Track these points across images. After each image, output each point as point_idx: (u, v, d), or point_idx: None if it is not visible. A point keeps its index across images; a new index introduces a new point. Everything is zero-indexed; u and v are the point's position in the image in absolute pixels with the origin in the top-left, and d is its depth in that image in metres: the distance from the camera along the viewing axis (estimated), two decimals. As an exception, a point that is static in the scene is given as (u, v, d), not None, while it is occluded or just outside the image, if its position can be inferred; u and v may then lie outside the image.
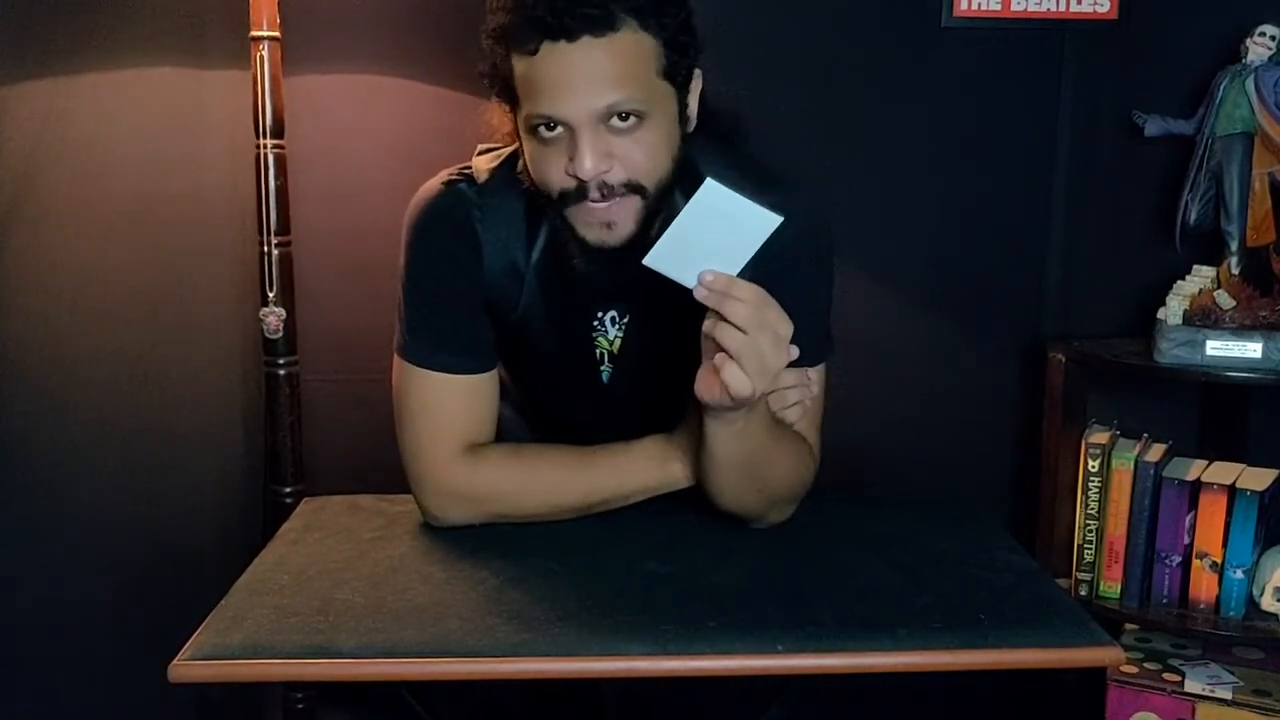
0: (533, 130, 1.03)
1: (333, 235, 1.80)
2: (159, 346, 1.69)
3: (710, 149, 1.12)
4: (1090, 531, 1.70)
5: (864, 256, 1.78)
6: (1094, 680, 1.74)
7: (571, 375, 1.22)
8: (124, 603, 1.67)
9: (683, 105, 1.07)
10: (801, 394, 1.13)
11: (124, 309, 1.65)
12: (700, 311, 0.97)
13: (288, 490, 1.67)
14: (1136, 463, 1.66)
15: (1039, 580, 1.05)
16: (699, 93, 1.10)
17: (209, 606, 0.98)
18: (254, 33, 1.57)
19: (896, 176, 1.83)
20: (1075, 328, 1.84)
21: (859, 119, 1.82)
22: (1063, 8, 1.77)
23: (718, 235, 0.93)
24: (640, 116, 1.01)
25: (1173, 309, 1.63)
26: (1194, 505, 1.64)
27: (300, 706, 1.70)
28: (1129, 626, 1.77)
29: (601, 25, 0.98)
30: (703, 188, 0.93)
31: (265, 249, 1.61)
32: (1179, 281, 1.69)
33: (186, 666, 0.90)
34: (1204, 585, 1.64)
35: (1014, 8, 1.78)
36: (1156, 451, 1.69)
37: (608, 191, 1.02)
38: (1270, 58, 1.62)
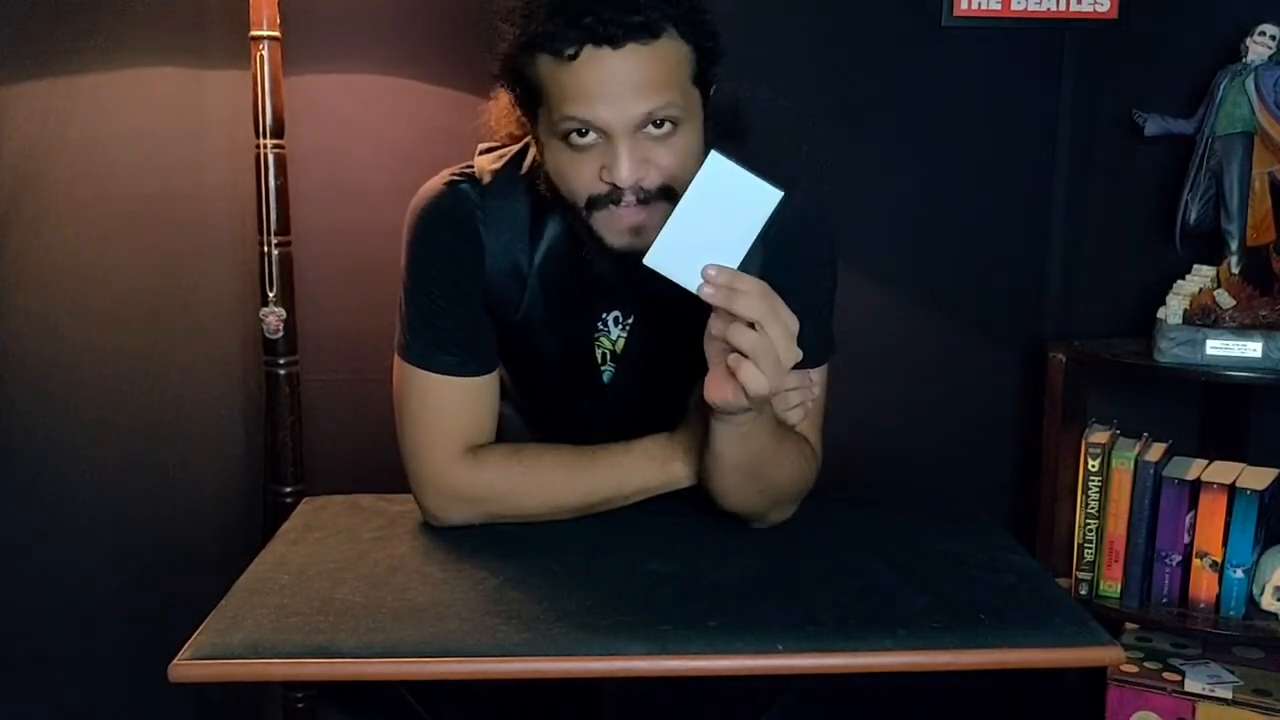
0: (563, 136, 1.01)
1: (333, 235, 1.80)
2: (159, 346, 1.69)
3: (713, 143, 1.11)
4: (1090, 531, 1.70)
5: (864, 256, 1.78)
6: (1094, 680, 1.74)
7: (573, 376, 1.22)
8: (124, 602, 1.67)
9: (706, 107, 1.07)
10: (804, 395, 1.13)
11: (124, 309, 1.65)
12: (703, 310, 0.96)
13: (288, 490, 1.67)
14: (1136, 462, 1.66)
15: (1039, 580, 1.05)
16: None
17: (209, 606, 0.98)
18: (254, 33, 1.57)
19: (896, 176, 1.83)
20: (1075, 328, 1.84)
21: (859, 119, 1.82)
22: (1063, 7, 1.77)
23: (720, 218, 0.92)
24: (675, 123, 1.01)
25: (1173, 308, 1.63)
26: (1194, 505, 1.64)
27: (300, 706, 1.70)
28: (1129, 626, 1.78)
29: (646, 33, 0.97)
30: (707, 161, 0.92)
31: (265, 249, 1.61)
32: (1179, 281, 1.69)
33: (186, 666, 0.90)
34: (1204, 585, 1.64)
35: (1014, 7, 1.78)
36: (1156, 451, 1.69)
37: (643, 196, 1.01)
38: (1270, 57, 1.62)
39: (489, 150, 1.19)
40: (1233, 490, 1.62)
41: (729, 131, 1.18)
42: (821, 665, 0.92)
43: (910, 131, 1.82)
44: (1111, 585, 1.70)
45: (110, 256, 1.63)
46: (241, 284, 1.76)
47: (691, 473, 1.12)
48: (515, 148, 1.16)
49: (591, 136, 1.00)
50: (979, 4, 1.78)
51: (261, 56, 1.57)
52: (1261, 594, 1.64)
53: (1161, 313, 1.64)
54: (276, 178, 1.60)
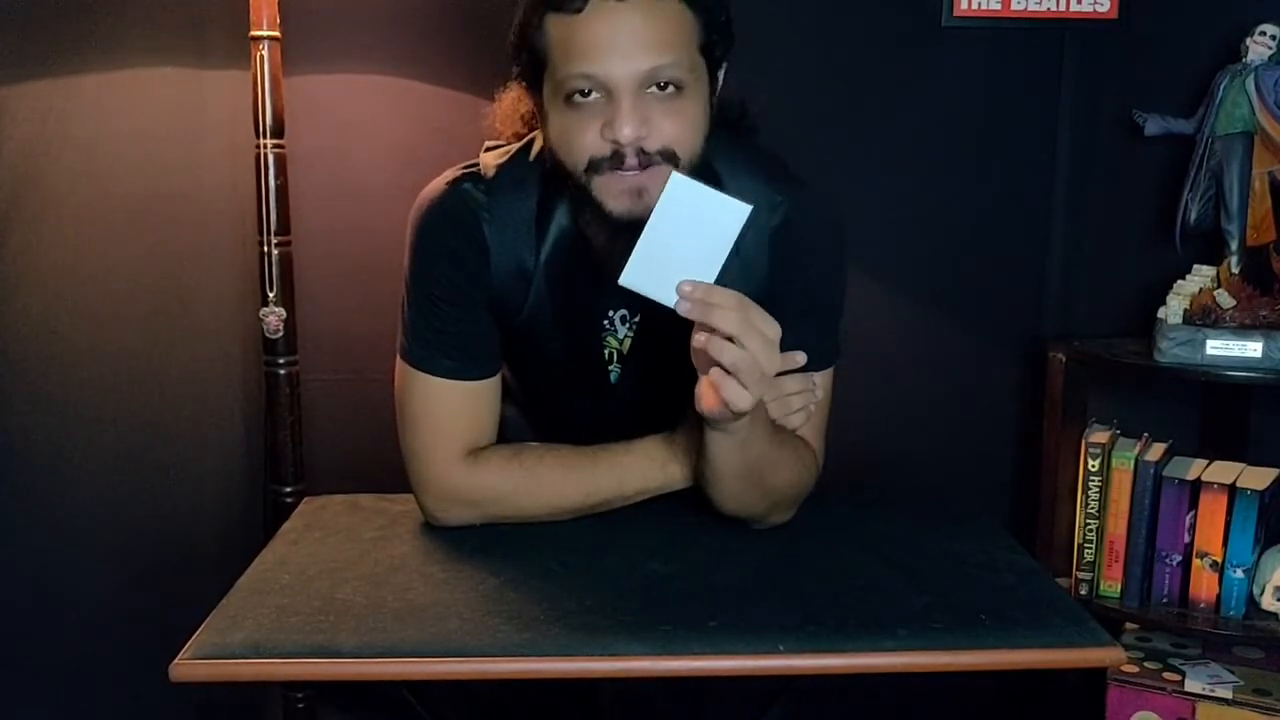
0: (567, 97, 1.01)
1: (333, 235, 1.80)
2: (159, 346, 1.69)
3: (721, 139, 1.10)
4: (1090, 531, 1.70)
5: (864, 256, 1.77)
6: (1094, 680, 1.74)
7: (579, 375, 1.21)
8: (124, 602, 1.67)
9: (713, 89, 1.07)
10: (806, 399, 1.13)
11: (124, 309, 1.65)
12: None
13: (288, 490, 1.67)
14: (1136, 462, 1.66)
15: (1039, 580, 1.05)
16: (720, 86, 1.10)
17: (210, 606, 0.98)
18: (254, 33, 1.57)
19: (896, 176, 1.83)
20: (1075, 328, 1.84)
21: (859, 119, 1.82)
22: (1063, 7, 1.77)
23: (691, 236, 0.93)
24: (679, 87, 1.00)
25: (1173, 308, 1.63)
26: (1194, 505, 1.64)
27: (300, 706, 1.71)
28: (1129, 626, 1.78)
29: None
30: (670, 182, 0.93)
31: (265, 249, 1.61)
32: (1179, 281, 1.69)
33: (187, 666, 0.90)
34: (1204, 584, 1.64)
35: (1014, 7, 1.78)
36: (1156, 451, 1.69)
37: (644, 159, 1.00)
38: (1270, 57, 1.62)
39: (494, 148, 1.18)
40: (1233, 490, 1.62)
41: (736, 129, 1.18)
42: (821, 665, 0.92)
43: (910, 131, 1.82)
44: (1111, 585, 1.70)
45: (110, 256, 1.63)
46: (241, 284, 1.76)
47: (690, 474, 1.12)
48: (520, 144, 1.16)
49: (594, 96, 1.00)
50: (979, 4, 1.78)
51: (261, 56, 1.57)
52: (1261, 594, 1.64)
53: (1161, 313, 1.64)
54: (276, 178, 1.60)
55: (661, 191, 0.94)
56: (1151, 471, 1.65)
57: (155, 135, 1.65)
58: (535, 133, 1.15)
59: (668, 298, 0.94)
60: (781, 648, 0.91)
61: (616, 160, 1.00)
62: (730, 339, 0.93)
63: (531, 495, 1.13)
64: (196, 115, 1.69)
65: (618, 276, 1.03)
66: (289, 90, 1.63)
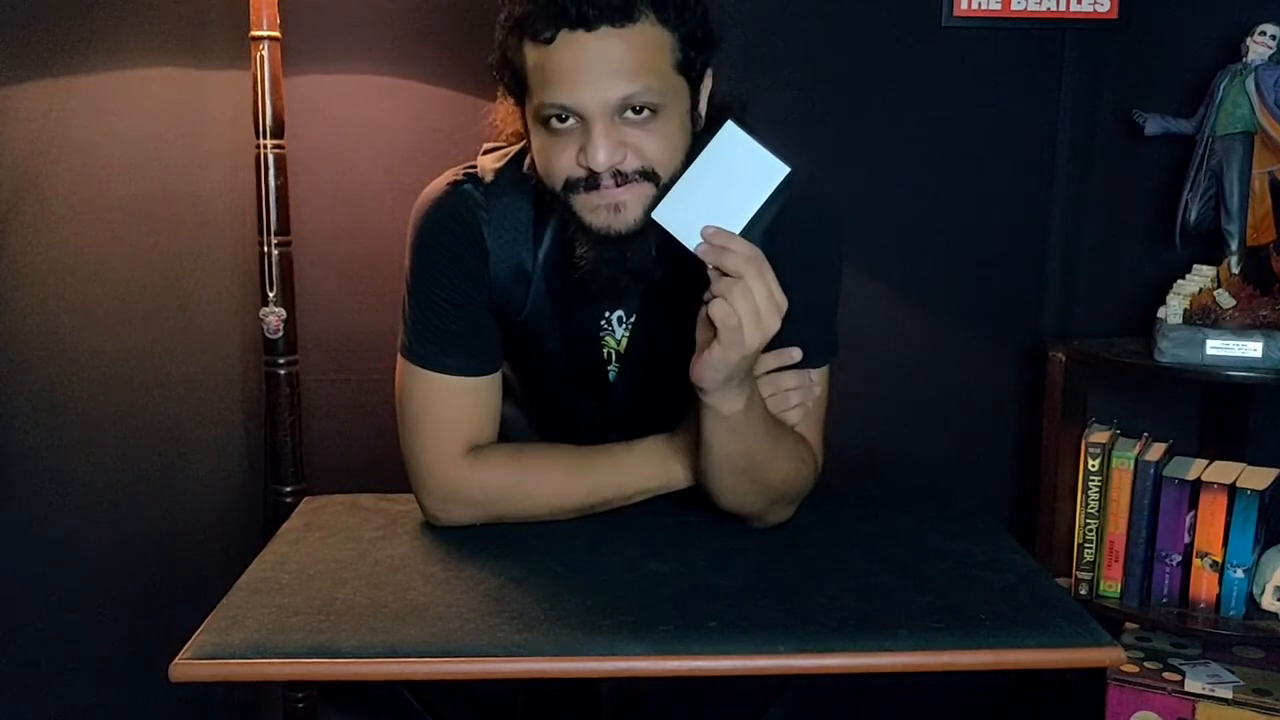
0: (544, 121, 1.02)
1: (333, 235, 1.80)
2: (159, 346, 1.69)
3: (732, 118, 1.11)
4: (1090, 531, 1.70)
5: (864, 256, 1.77)
6: (1094, 680, 1.74)
7: (578, 375, 1.21)
8: (124, 602, 1.67)
9: (694, 102, 1.07)
10: (804, 395, 1.13)
11: (124, 309, 1.64)
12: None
13: (288, 490, 1.67)
14: (1137, 462, 1.66)
15: (1039, 580, 1.05)
16: (709, 91, 1.10)
17: (209, 606, 0.98)
18: (254, 33, 1.57)
19: (896, 176, 1.83)
20: (1075, 328, 1.84)
21: (859, 119, 1.82)
22: (1063, 7, 1.77)
23: (727, 184, 0.97)
24: (654, 110, 1.01)
25: (1173, 308, 1.63)
26: (1194, 504, 1.64)
27: (300, 706, 1.70)
28: (1129, 626, 1.78)
29: (621, 16, 0.98)
30: (722, 130, 0.97)
31: (265, 249, 1.61)
32: (1179, 281, 1.69)
33: (188, 666, 0.90)
34: (1204, 584, 1.64)
35: (1014, 7, 1.78)
36: (1157, 451, 1.69)
37: (621, 179, 1.02)
38: (1270, 57, 1.62)
39: (492, 150, 1.19)
40: (1233, 490, 1.62)
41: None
42: (821, 665, 0.92)
43: (910, 131, 1.82)
44: (1111, 585, 1.70)
45: (110, 256, 1.62)
46: (241, 284, 1.75)
47: (691, 474, 1.12)
48: (518, 146, 1.16)
49: (570, 121, 1.01)
50: (979, 4, 1.78)
51: (261, 56, 1.57)
52: (1262, 594, 1.64)
53: (1161, 312, 1.64)
54: (276, 178, 1.61)
55: (645, 199, 1.01)
56: (1151, 471, 1.65)
57: (155, 135, 1.65)
58: None
59: (690, 240, 0.97)
60: (781, 648, 0.91)
61: (592, 182, 1.02)
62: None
63: (532, 494, 1.13)
64: (196, 115, 1.69)
65: (605, 286, 1.06)
66: (289, 90, 1.63)
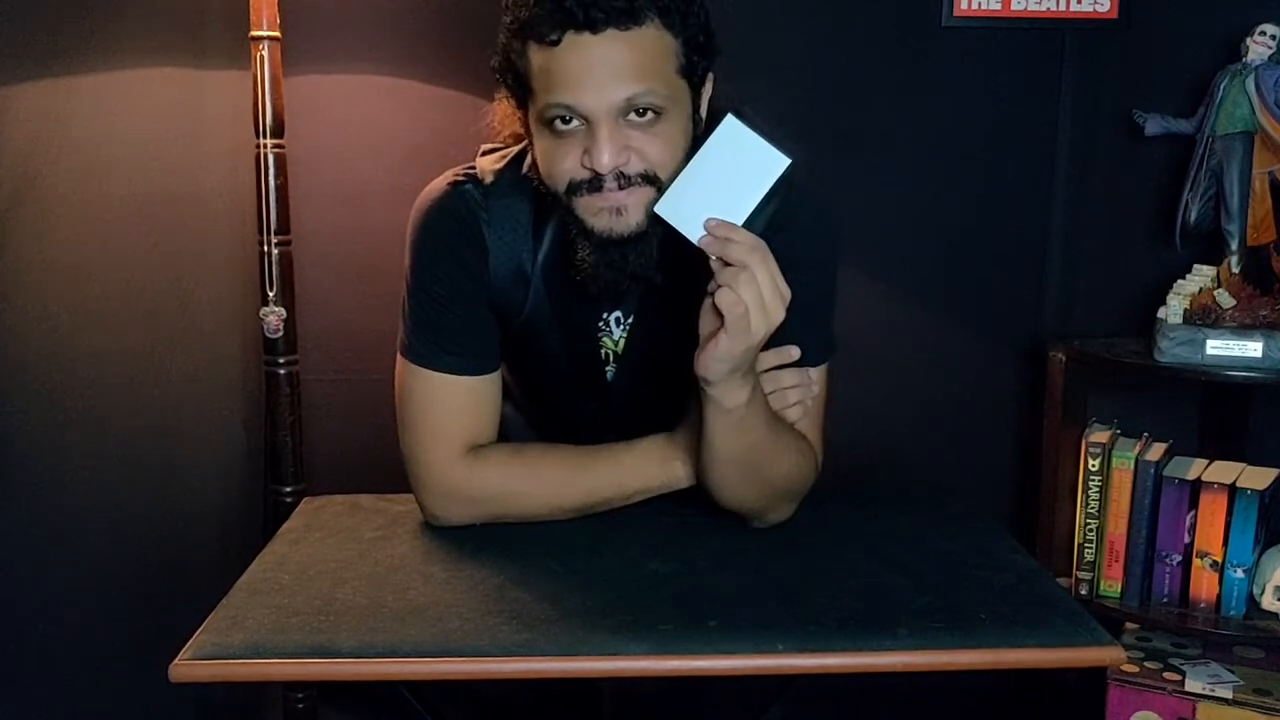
0: (548, 123, 1.02)
1: (333, 235, 1.80)
2: (159, 346, 1.69)
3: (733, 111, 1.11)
4: (1090, 531, 1.70)
5: (864, 256, 1.78)
6: (1094, 680, 1.74)
7: (576, 376, 1.22)
8: (124, 602, 1.67)
9: (695, 106, 1.08)
10: (802, 393, 1.13)
11: (124, 309, 1.64)
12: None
13: (288, 490, 1.67)
14: (1137, 462, 1.66)
15: (1039, 580, 1.05)
16: (709, 96, 1.10)
17: (209, 606, 0.98)
18: (254, 33, 1.57)
19: (896, 176, 1.83)
20: (1075, 328, 1.84)
21: (859, 119, 1.82)
22: (1063, 7, 1.77)
23: (729, 176, 0.97)
24: (658, 113, 1.01)
25: (1173, 308, 1.63)
26: (1194, 504, 1.64)
27: (300, 706, 1.71)
28: (1129, 626, 1.78)
29: (626, 18, 0.98)
30: (723, 123, 0.97)
31: (265, 249, 1.61)
32: (1179, 280, 1.69)
33: (187, 666, 0.90)
34: (1204, 584, 1.64)
35: (1014, 7, 1.78)
36: (1157, 450, 1.69)
37: (624, 181, 1.02)
38: (1270, 57, 1.62)
39: (491, 151, 1.19)
40: (1233, 490, 1.62)
41: None
42: (821, 665, 0.92)
43: (910, 131, 1.82)
44: (1111, 585, 1.70)
45: (110, 256, 1.62)
46: (241, 284, 1.75)
47: (691, 472, 1.12)
48: (517, 148, 1.17)
49: (575, 123, 1.01)
50: (979, 4, 1.78)
51: (261, 56, 1.57)
52: (1262, 594, 1.64)
53: (1162, 312, 1.64)
54: (276, 178, 1.61)
55: (646, 203, 1.01)
56: (1151, 471, 1.65)
57: (155, 135, 1.65)
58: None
59: (693, 232, 0.98)
60: (781, 648, 0.91)
61: (595, 184, 1.02)
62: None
63: (532, 493, 1.13)
64: (196, 115, 1.69)
65: (604, 289, 1.06)
66: (289, 90, 1.63)
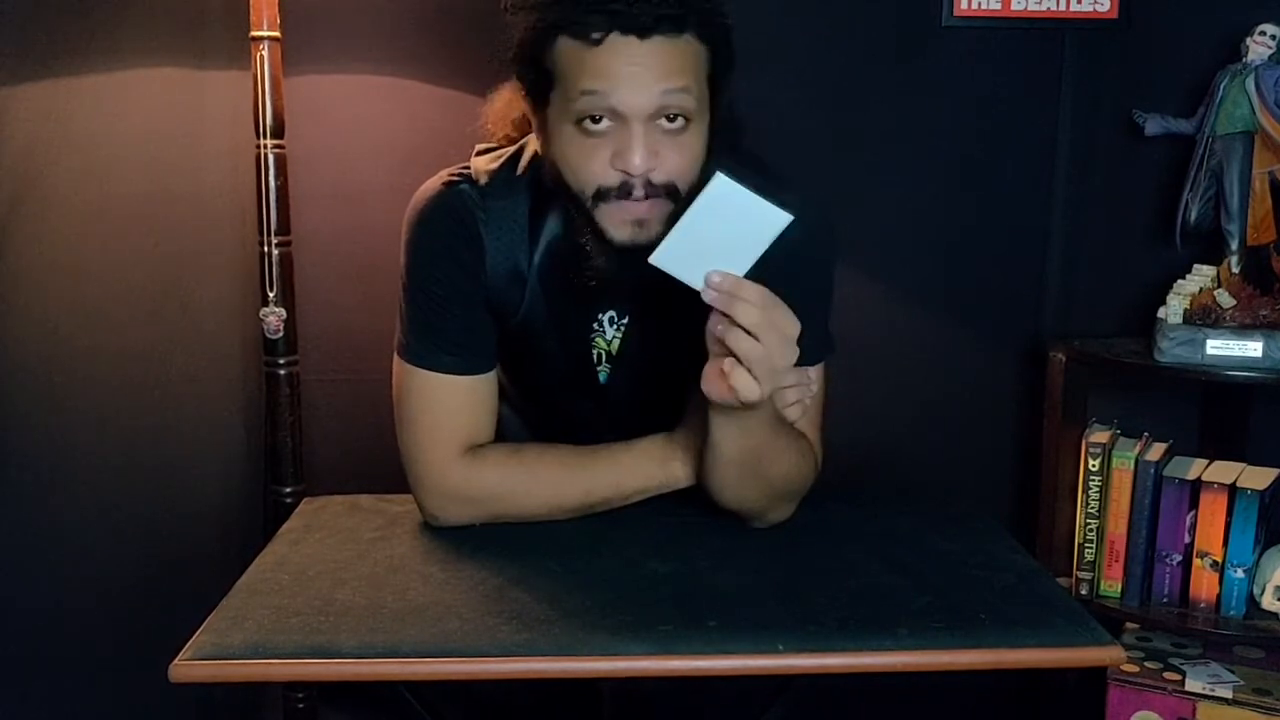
0: (577, 120, 1.01)
1: (333, 235, 1.80)
2: (159, 347, 1.69)
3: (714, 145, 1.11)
4: (1090, 531, 1.70)
5: (864, 256, 1.78)
6: (1094, 680, 1.74)
7: (570, 376, 1.22)
8: (124, 603, 1.67)
9: (714, 118, 1.07)
10: (801, 393, 1.13)
11: (124, 309, 1.64)
12: (699, 311, 0.97)
13: (288, 490, 1.67)
14: (1137, 462, 1.66)
15: (1039, 580, 1.05)
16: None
17: (209, 606, 0.98)
18: (254, 33, 1.57)
19: (896, 176, 1.83)
20: (1075, 328, 1.84)
21: (858, 119, 1.82)
22: (1063, 7, 1.77)
23: (726, 232, 0.94)
24: (688, 119, 1.02)
25: (1173, 308, 1.63)
26: (1194, 504, 1.64)
27: (300, 706, 1.71)
28: (1129, 626, 1.78)
29: (675, 26, 0.99)
30: (713, 182, 0.94)
31: (265, 249, 1.61)
32: (1179, 280, 1.69)
33: (187, 666, 0.90)
34: (1204, 584, 1.64)
35: (1014, 7, 1.78)
36: (1157, 450, 1.69)
37: (650, 190, 1.02)
38: (1270, 57, 1.62)
39: (485, 152, 1.19)
40: (1233, 490, 1.62)
41: (723, 131, 1.18)
42: (821, 665, 0.92)
43: (910, 131, 1.82)
44: (1112, 585, 1.70)
45: (110, 256, 1.62)
46: (241, 284, 1.75)
47: (691, 472, 1.12)
48: (511, 149, 1.16)
49: (606, 123, 1.01)
50: (979, 4, 1.78)
51: (261, 56, 1.57)
52: (1262, 593, 1.64)
53: (1162, 312, 1.64)
54: (276, 178, 1.60)
55: (666, 217, 0.99)
56: (1152, 471, 1.65)
57: (155, 135, 1.65)
58: (527, 138, 1.15)
59: (694, 281, 0.96)
60: (781, 648, 0.91)
61: (624, 191, 1.02)
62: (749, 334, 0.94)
63: (531, 493, 1.13)
64: (196, 115, 1.69)
65: (613, 292, 1.06)
66: (289, 90, 1.63)
